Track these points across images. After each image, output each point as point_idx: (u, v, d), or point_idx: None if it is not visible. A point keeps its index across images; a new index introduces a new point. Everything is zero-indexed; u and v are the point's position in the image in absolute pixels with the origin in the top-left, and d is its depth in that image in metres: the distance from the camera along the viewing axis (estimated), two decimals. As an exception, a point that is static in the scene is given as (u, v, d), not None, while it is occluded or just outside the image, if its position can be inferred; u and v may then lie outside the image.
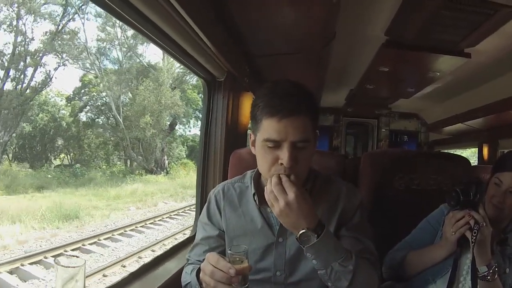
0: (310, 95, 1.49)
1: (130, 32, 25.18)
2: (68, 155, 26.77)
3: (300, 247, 1.46)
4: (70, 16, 23.85)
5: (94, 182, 20.68)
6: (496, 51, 3.04)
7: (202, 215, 1.75)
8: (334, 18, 2.46)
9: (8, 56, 22.49)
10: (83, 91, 27.01)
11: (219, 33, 2.17)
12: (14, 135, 23.18)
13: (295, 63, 3.23)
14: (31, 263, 8.07)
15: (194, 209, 2.88)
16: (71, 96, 26.94)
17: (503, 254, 1.80)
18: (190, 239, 2.48)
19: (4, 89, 22.19)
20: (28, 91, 23.53)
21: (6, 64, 22.30)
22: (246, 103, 2.95)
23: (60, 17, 23.59)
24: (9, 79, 22.65)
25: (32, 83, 23.89)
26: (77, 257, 1.08)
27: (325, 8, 2.20)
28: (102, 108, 27.23)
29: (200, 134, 2.75)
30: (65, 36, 24.03)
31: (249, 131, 1.59)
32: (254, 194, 1.63)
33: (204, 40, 1.93)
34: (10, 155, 24.09)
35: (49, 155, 25.69)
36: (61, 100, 26.96)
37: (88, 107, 27.33)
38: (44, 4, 22.73)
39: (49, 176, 21.18)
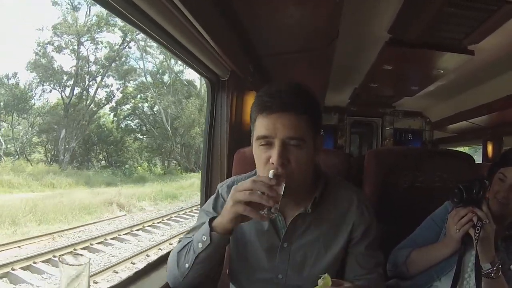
0: (307, 93, 1.45)
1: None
2: (108, 158, 29.54)
3: (305, 254, 1.50)
4: (125, 44, 28.30)
5: (145, 179, 24.63)
6: (499, 48, 3.04)
7: (207, 204, 1.70)
8: (338, 17, 2.46)
9: (73, 76, 26.62)
10: (123, 101, 30.02)
11: (223, 32, 2.17)
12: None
13: (299, 62, 3.23)
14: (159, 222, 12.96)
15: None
16: (114, 106, 29.87)
17: (507, 250, 1.80)
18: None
19: (71, 103, 26.39)
20: (92, 105, 27.89)
21: (71, 83, 26.68)
22: (250, 102, 2.90)
23: (118, 45, 27.99)
24: (75, 96, 26.96)
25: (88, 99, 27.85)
26: (82, 255, 1.09)
27: (329, 7, 2.21)
28: (141, 116, 30.75)
29: (204, 133, 2.74)
30: (117, 60, 28.48)
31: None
32: None
33: (207, 40, 1.92)
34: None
35: (89, 157, 28.52)
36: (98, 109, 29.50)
37: (131, 116, 30.95)
38: (100, 31, 26.82)
39: (105, 175, 24.64)
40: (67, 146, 25.09)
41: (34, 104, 26.23)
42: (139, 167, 28.85)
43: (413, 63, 3.64)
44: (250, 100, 2.88)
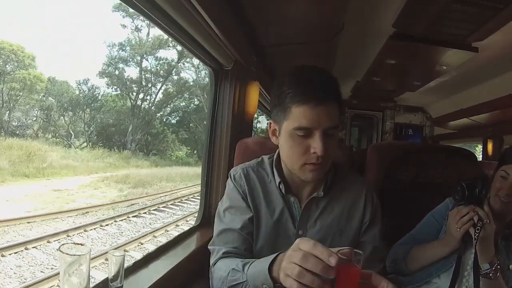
0: (337, 81, 1.42)
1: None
2: (147, 147, 33.74)
3: (321, 239, 1.43)
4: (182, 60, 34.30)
5: (189, 163, 30.28)
6: (504, 46, 3.03)
7: (225, 201, 1.64)
8: (343, 10, 2.46)
9: (138, 84, 33.48)
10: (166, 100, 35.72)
11: (229, 21, 2.15)
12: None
13: (303, 54, 3.22)
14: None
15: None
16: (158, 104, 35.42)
17: (507, 250, 1.78)
18: (195, 229, 2.47)
19: (136, 105, 33.16)
20: (153, 108, 34.70)
21: (137, 89, 33.34)
22: (253, 92, 2.93)
23: (175, 61, 34.28)
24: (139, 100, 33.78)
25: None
26: (82, 244, 1.09)
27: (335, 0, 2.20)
28: (179, 113, 36.03)
29: (206, 122, 2.73)
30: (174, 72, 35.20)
31: (271, 121, 1.53)
32: (280, 183, 1.56)
33: (213, 28, 1.91)
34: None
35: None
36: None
37: (174, 113, 36.37)
38: (159, 49, 33.20)
39: (157, 160, 30.25)
40: (132, 138, 31.41)
41: (103, 104, 32.92)
42: (172, 155, 33.38)
43: (416, 58, 3.63)
44: (252, 90, 2.87)
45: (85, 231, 9.39)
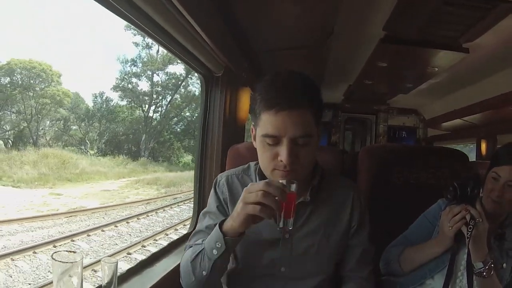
0: (313, 86, 1.41)
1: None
2: (153, 153, 35.66)
3: (308, 243, 1.50)
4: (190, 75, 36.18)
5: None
6: (495, 46, 3.03)
7: (208, 205, 1.67)
8: (333, 14, 2.46)
9: (149, 96, 35.92)
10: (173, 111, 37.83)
11: (218, 27, 2.15)
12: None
13: (294, 59, 3.22)
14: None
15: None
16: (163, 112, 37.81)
17: (500, 248, 1.79)
18: (189, 235, 2.46)
19: (148, 116, 35.91)
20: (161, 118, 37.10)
21: (148, 100, 35.80)
22: (244, 98, 2.93)
23: (183, 77, 36.26)
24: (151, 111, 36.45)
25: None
26: (74, 252, 1.07)
27: (325, 3, 2.20)
28: (184, 121, 38.22)
29: (198, 129, 2.72)
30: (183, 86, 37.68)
31: (252, 125, 1.53)
32: None
33: (202, 35, 1.91)
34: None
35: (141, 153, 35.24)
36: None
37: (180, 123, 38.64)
38: (169, 64, 35.17)
39: (164, 164, 32.59)
40: (145, 146, 33.94)
41: (117, 115, 35.19)
42: (181, 161, 35.58)
43: (407, 60, 3.63)
44: (244, 96, 2.87)
45: (163, 210, 14.53)
